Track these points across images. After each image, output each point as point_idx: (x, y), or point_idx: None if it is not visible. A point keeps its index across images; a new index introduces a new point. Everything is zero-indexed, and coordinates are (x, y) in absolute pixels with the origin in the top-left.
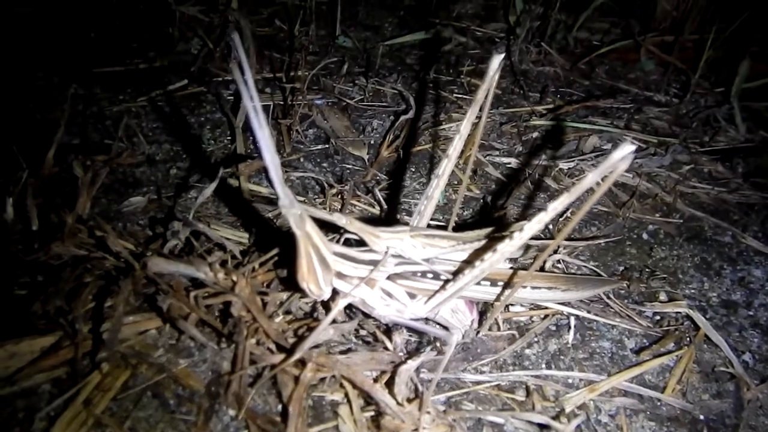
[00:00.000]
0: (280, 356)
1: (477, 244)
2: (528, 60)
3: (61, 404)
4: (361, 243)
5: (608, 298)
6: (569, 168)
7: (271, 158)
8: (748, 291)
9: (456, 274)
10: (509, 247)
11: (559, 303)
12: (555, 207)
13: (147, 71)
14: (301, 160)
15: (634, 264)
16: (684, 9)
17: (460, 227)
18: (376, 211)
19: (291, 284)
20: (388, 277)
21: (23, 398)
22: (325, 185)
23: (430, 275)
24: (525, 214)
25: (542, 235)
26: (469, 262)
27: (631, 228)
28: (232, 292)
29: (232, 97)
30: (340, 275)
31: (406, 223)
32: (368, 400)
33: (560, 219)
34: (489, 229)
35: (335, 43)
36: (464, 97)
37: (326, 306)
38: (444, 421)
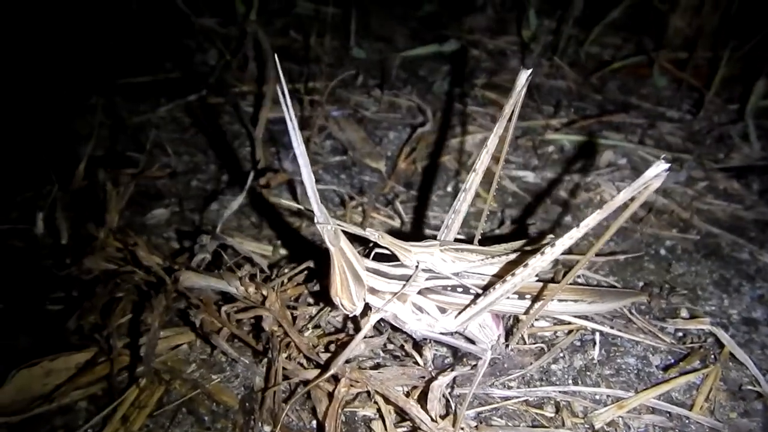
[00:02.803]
0: (313, 371)
1: (505, 258)
2: (540, 73)
3: (99, 421)
4: (389, 258)
5: (630, 313)
6: (586, 183)
7: (308, 174)
8: None
9: (486, 288)
10: (541, 262)
11: (585, 316)
12: (587, 223)
13: (165, 82)
14: (320, 171)
15: (653, 279)
16: (697, 27)
17: (484, 241)
18: (396, 223)
19: (321, 298)
20: (419, 292)
21: (61, 416)
22: (346, 198)
23: (459, 289)
24: (543, 228)
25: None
26: (500, 277)
27: (649, 244)
28: (263, 306)
29: (250, 108)
30: (372, 290)
31: (434, 237)
32: (401, 415)
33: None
34: (517, 243)
35: (349, 54)
36: (479, 110)
37: (355, 321)
38: None
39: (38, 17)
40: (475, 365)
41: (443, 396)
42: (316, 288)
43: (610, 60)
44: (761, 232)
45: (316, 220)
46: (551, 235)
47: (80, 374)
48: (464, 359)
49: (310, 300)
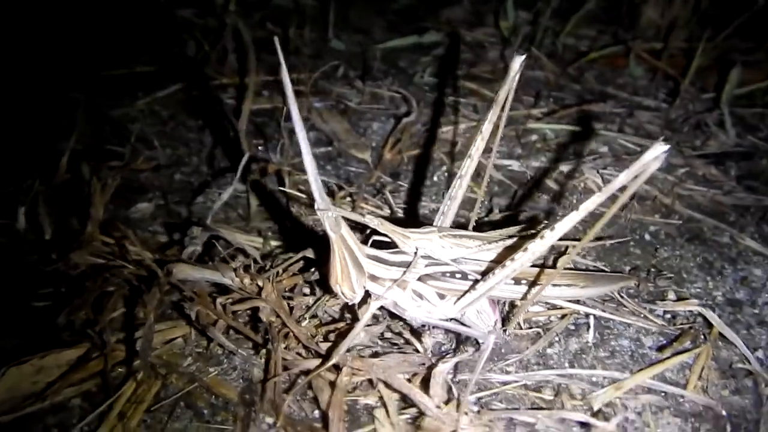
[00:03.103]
0: (314, 361)
1: (502, 244)
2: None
3: (95, 419)
4: (387, 245)
5: (621, 297)
6: (569, 170)
7: (310, 161)
8: (751, 290)
9: (485, 273)
10: (540, 246)
11: (577, 300)
12: (587, 206)
13: (143, 75)
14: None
15: (639, 264)
16: (670, 18)
17: (477, 228)
18: (386, 213)
19: (319, 287)
20: (419, 278)
21: (54, 414)
22: (335, 188)
23: (458, 275)
24: (531, 216)
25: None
26: (498, 262)
27: (633, 229)
28: (259, 297)
29: (231, 101)
30: (372, 277)
31: (430, 224)
32: (403, 402)
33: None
34: (512, 229)
35: (329, 46)
36: (461, 100)
37: (352, 310)
38: (481, 421)
39: (10, 11)
40: (475, 351)
41: (445, 382)
42: (313, 278)
43: (587, 51)
44: (740, 217)
45: (317, 207)
46: (545, 221)
47: (73, 371)
48: (461, 346)
49: (306, 290)
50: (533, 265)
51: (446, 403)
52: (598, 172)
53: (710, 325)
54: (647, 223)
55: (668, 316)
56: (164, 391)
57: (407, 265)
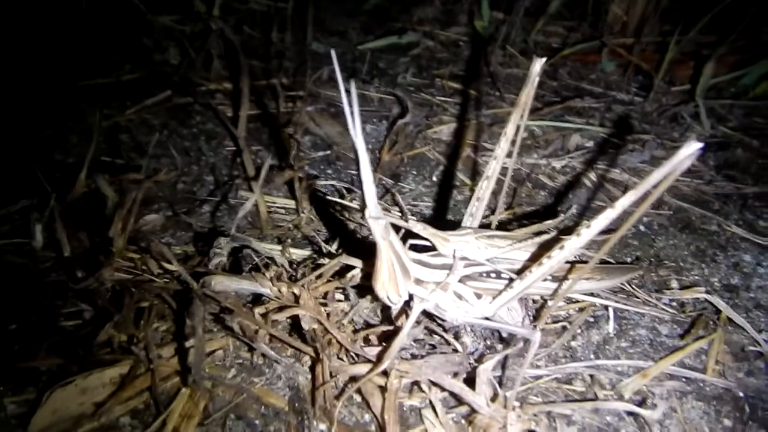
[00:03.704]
0: (361, 366)
1: (531, 242)
2: (495, 63)
3: None
4: (425, 249)
5: (632, 288)
6: (562, 166)
7: (366, 170)
8: (744, 275)
9: (521, 272)
10: (577, 243)
11: (592, 293)
12: (622, 203)
13: (128, 84)
14: (306, 167)
15: (640, 255)
16: (639, 14)
17: (499, 227)
18: (397, 215)
19: (353, 292)
20: (459, 279)
21: None
22: (344, 191)
23: (493, 275)
24: (528, 211)
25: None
26: (534, 260)
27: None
28: (298, 305)
29: (221, 107)
30: (417, 281)
31: (459, 224)
32: (448, 402)
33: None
34: (535, 227)
35: (308, 49)
36: (447, 99)
37: (387, 313)
38: (527, 416)
39: None
40: (512, 347)
41: (489, 379)
42: (352, 283)
43: (559, 47)
44: (724, 205)
45: (368, 215)
46: (560, 217)
47: (121, 389)
48: (486, 341)
49: (339, 296)
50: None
51: (493, 399)
52: (589, 166)
53: (718, 311)
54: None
55: (674, 303)
56: (212, 404)
57: (448, 267)
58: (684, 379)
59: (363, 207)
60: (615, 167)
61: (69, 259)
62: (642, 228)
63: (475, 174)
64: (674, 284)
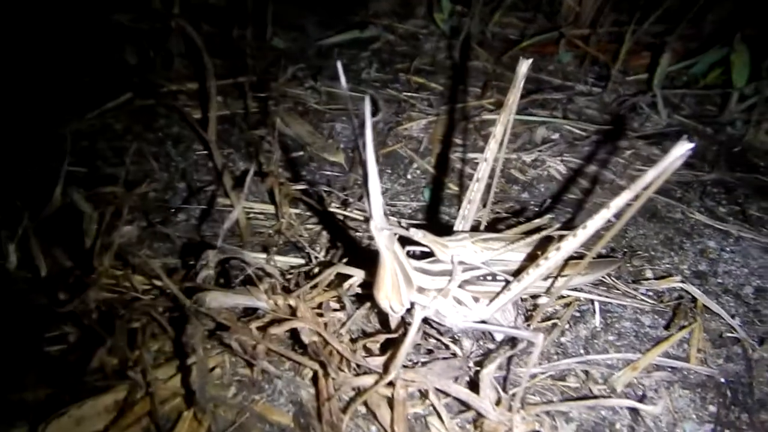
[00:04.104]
0: (365, 378)
1: (523, 243)
2: (455, 56)
3: None
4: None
5: (612, 280)
6: (532, 160)
7: (374, 179)
8: (710, 261)
9: (518, 273)
10: (574, 243)
11: (581, 287)
12: (617, 203)
13: (85, 87)
14: (280, 170)
15: (614, 246)
16: (591, 4)
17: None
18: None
19: (349, 302)
20: (458, 285)
21: None
22: (323, 194)
23: (489, 278)
24: (510, 209)
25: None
26: (528, 260)
27: (593, 215)
28: (295, 318)
29: (188, 109)
30: (419, 289)
31: (446, 226)
32: (451, 408)
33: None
34: (523, 227)
35: (269, 45)
36: (414, 95)
37: (385, 322)
38: (531, 417)
39: None
40: (509, 349)
41: (491, 383)
42: (350, 292)
43: (517, 39)
44: (685, 192)
45: (373, 226)
46: (548, 215)
47: (120, 417)
48: (481, 343)
49: (334, 305)
50: None
51: (497, 403)
52: (558, 159)
53: (694, 300)
54: (596, 213)
55: (651, 293)
56: (215, 425)
57: (447, 273)
58: (670, 369)
59: (369, 218)
60: (582, 159)
61: (46, 279)
62: (613, 219)
63: (449, 171)
64: (649, 274)
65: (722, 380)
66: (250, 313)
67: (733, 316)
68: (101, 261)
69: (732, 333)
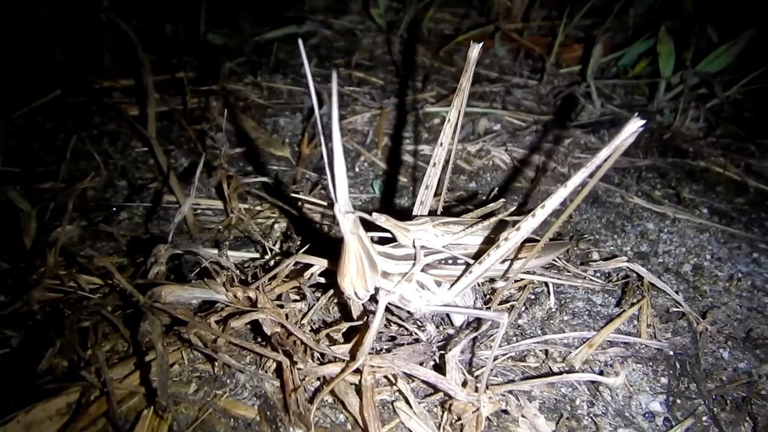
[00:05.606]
0: (331, 366)
1: (482, 227)
2: (396, 51)
3: None
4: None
5: (563, 263)
6: (477, 150)
7: (340, 166)
8: (650, 242)
9: (478, 255)
10: (533, 223)
11: (533, 270)
12: (573, 181)
13: (10, 84)
14: (225, 165)
15: (560, 230)
16: (525, 1)
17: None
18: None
19: (308, 291)
20: (421, 269)
21: None
22: (273, 189)
23: (450, 261)
24: (454, 196)
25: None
26: (488, 243)
27: (544, 199)
28: (256, 309)
29: (124, 105)
30: (384, 274)
31: (404, 212)
32: (417, 392)
33: (496, 194)
34: (479, 211)
35: (203, 40)
36: (356, 89)
37: (345, 310)
38: (497, 396)
39: None
40: (471, 331)
41: (457, 365)
42: (310, 282)
43: (452, 34)
44: (623, 178)
45: (338, 210)
46: (501, 199)
47: (74, 420)
48: (441, 328)
49: (294, 296)
50: None
51: (463, 384)
52: (501, 149)
53: (640, 278)
54: (554, 192)
55: (599, 274)
56: (176, 423)
57: (410, 257)
58: (623, 345)
59: (333, 202)
60: (525, 148)
61: None
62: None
63: (395, 161)
64: (595, 256)
65: (671, 353)
66: (208, 307)
67: (677, 292)
68: (43, 260)
69: (677, 308)
